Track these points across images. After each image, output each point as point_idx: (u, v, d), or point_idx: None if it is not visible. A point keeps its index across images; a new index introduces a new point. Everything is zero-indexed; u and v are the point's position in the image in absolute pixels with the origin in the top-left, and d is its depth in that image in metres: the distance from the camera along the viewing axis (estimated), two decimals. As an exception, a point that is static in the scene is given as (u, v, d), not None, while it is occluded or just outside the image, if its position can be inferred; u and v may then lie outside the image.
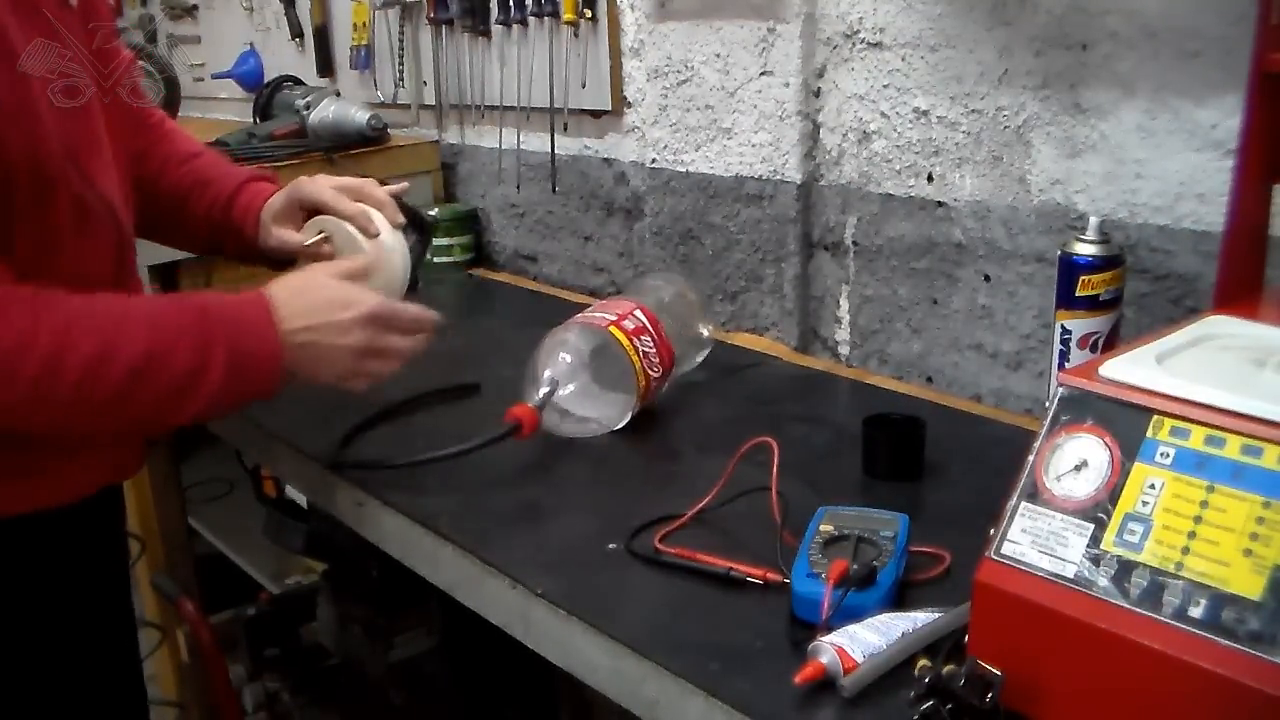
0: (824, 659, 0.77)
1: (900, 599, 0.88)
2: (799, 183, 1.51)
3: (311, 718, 1.87)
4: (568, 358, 1.22)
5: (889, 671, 0.77)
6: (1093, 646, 0.66)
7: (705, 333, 1.44)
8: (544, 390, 1.18)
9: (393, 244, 1.17)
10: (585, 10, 1.77)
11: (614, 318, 1.27)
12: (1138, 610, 0.65)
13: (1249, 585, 0.62)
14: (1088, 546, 0.68)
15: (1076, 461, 0.71)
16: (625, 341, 1.24)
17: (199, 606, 1.77)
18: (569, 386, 1.21)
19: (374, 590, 1.71)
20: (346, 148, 2.02)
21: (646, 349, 1.25)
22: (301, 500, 1.77)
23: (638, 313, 1.29)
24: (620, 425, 1.26)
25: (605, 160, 1.86)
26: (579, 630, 0.90)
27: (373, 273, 1.14)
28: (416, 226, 1.19)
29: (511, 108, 1.95)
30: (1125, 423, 0.70)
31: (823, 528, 0.92)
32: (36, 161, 0.93)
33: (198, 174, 1.30)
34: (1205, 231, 1.14)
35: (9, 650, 1.04)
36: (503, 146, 1.99)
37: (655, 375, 1.26)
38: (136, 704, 1.24)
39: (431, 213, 1.20)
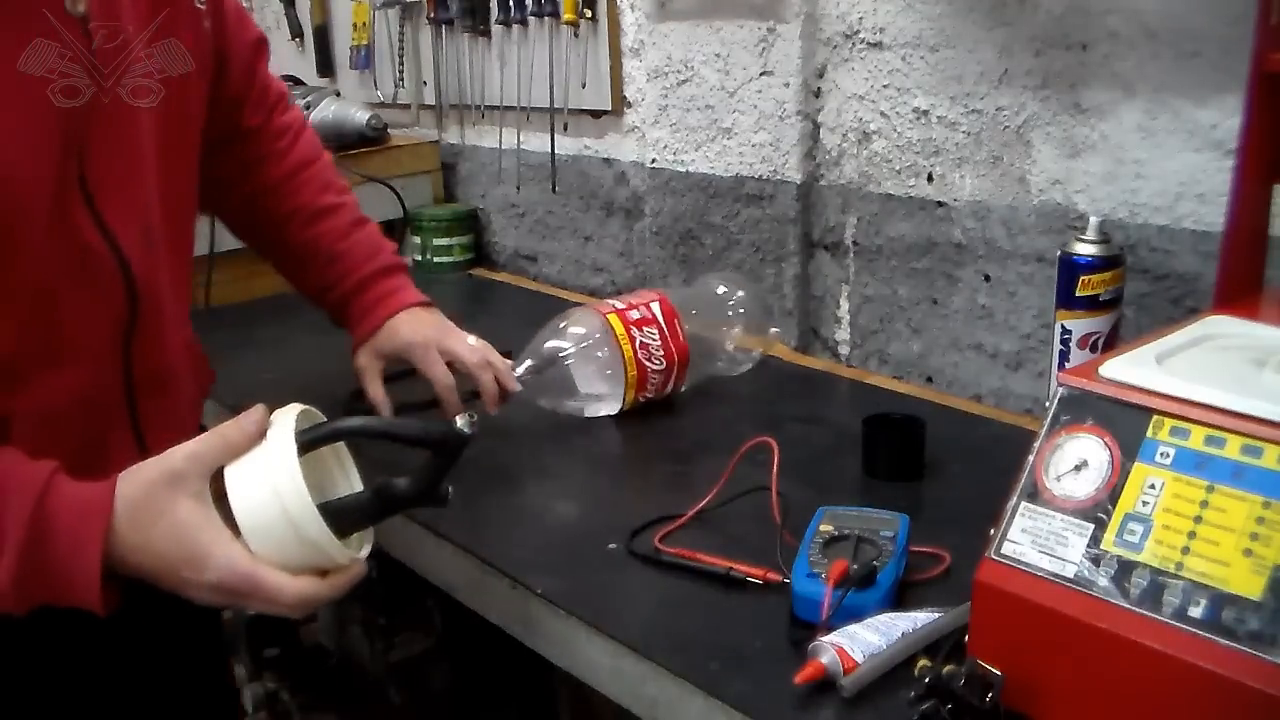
0: (824, 659, 0.77)
1: (900, 599, 0.88)
2: (799, 183, 1.51)
3: (311, 718, 1.87)
4: (562, 339, 1.25)
5: (889, 671, 0.77)
6: (1093, 646, 0.66)
7: (756, 351, 1.41)
8: (526, 363, 1.23)
9: (299, 516, 0.79)
10: (585, 10, 1.77)
11: (622, 306, 1.28)
12: (1138, 610, 0.65)
13: (1249, 585, 0.62)
14: (1088, 546, 0.68)
15: (1076, 461, 0.71)
16: (620, 330, 1.25)
17: (199, 606, 1.77)
18: (564, 364, 1.24)
19: (374, 590, 1.71)
20: (346, 148, 2.02)
21: (647, 340, 1.26)
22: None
23: (654, 304, 1.29)
24: (608, 412, 1.27)
25: (605, 160, 1.86)
26: (579, 630, 0.90)
27: (260, 536, 0.79)
28: (435, 447, 0.85)
29: (511, 108, 1.95)
30: (1125, 423, 0.70)
31: (823, 528, 0.92)
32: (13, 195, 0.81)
33: (324, 244, 1.23)
34: (1205, 231, 1.14)
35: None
36: (503, 146, 1.99)
37: (655, 368, 1.26)
38: None
39: (461, 423, 0.83)
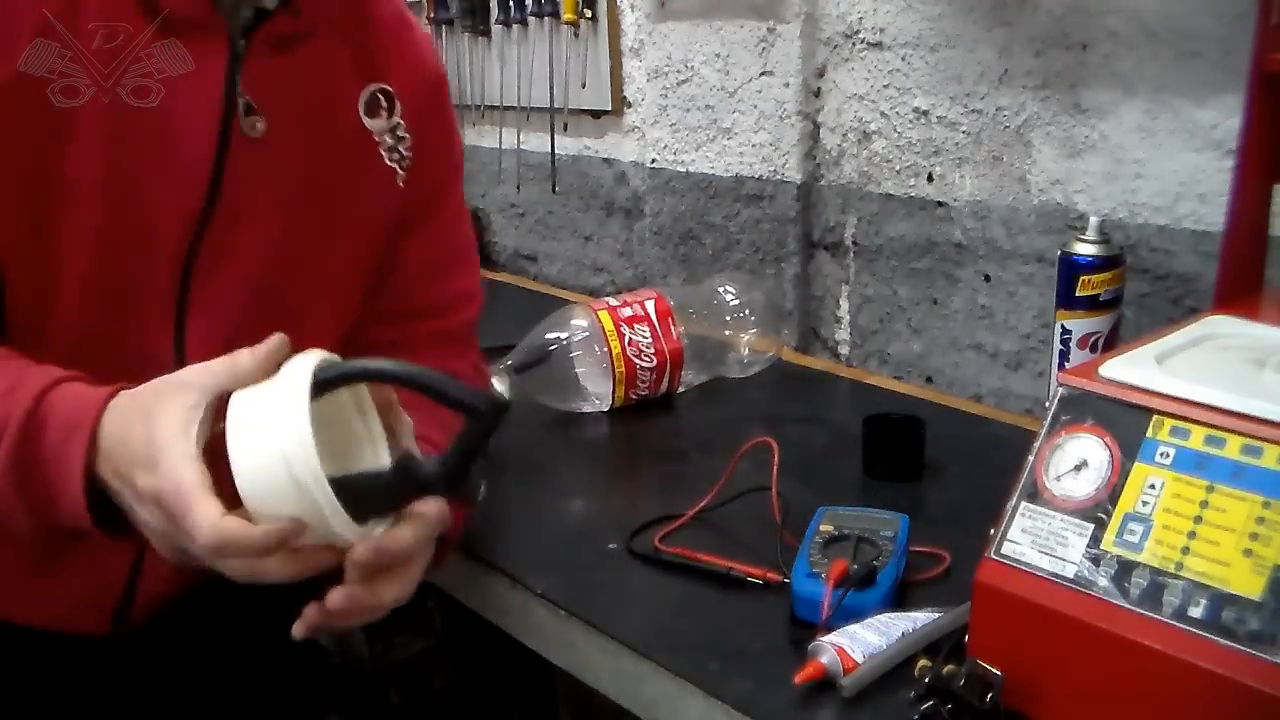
0: (824, 659, 0.77)
1: (900, 599, 0.88)
2: (799, 183, 1.51)
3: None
4: (551, 334, 1.27)
5: (889, 671, 0.77)
6: (1093, 646, 0.66)
7: (748, 350, 1.41)
8: (506, 362, 1.26)
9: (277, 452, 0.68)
10: (585, 10, 1.77)
11: (616, 303, 1.30)
12: (1138, 610, 0.65)
13: (1249, 585, 0.62)
14: (1088, 546, 0.68)
15: (1076, 461, 0.71)
16: (610, 325, 1.26)
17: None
18: (553, 359, 1.26)
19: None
20: (346, 148, 2.02)
21: (637, 337, 1.26)
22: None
23: (648, 303, 1.30)
24: (599, 408, 1.28)
25: (605, 160, 1.86)
26: (579, 630, 0.90)
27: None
28: (469, 411, 0.73)
29: (511, 108, 1.95)
30: (1125, 423, 0.70)
31: (823, 528, 0.92)
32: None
33: None
34: (1205, 231, 1.14)
35: None
36: (503, 146, 1.99)
37: (645, 365, 1.27)
38: None
39: (501, 387, 0.73)
